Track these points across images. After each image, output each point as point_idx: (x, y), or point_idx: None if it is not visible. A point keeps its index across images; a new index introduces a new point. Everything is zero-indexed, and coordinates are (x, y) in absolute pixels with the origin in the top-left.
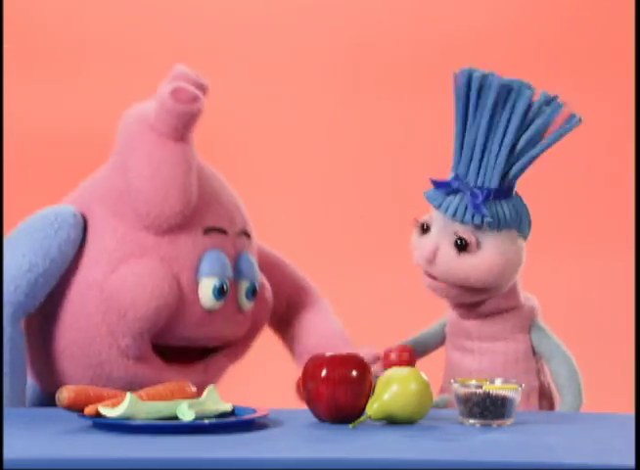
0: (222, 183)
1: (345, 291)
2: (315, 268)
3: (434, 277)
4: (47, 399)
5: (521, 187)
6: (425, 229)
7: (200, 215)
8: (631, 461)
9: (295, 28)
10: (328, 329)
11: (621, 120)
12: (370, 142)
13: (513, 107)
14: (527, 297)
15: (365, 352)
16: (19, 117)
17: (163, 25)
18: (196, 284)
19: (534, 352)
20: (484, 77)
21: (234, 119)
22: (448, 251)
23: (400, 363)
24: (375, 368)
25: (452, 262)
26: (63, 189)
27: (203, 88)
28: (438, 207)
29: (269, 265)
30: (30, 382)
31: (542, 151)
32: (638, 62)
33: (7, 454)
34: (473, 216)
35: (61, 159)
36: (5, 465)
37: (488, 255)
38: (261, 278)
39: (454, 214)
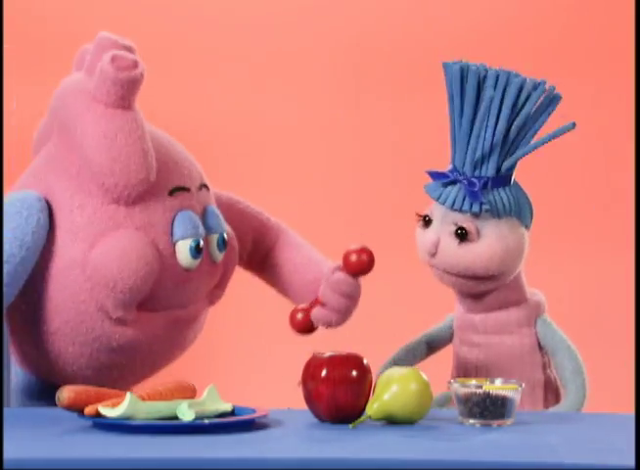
0: (170, 141)
1: None
2: None
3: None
4: (45, 389)
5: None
6: (427, 222)
7: (161, 178)
8: (631, 461)
9: (294, 28)
10: (307, 261)
11: (622, 120)
12: (370, 141)
13: (503, 95)
14: (534, 292)
15: (329, 266)
16: (19, 118)
17: (163, 25)
18: (172, 247)
19: (540, 347)
20: (475, 69)
21: (234, 119)
22: (449, 241)
23: (360, 264)
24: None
25: (454, 253)
26: None
27: (132, 50)
28: (437, 198)
29: (226, 208)
30: (25, 375)
31: (535, 148)
32: (638, 61)
33: (7, 454)
34: (471, 205)
35: None
36: (5, 465)
37: (489, 242)
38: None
39: (452, 205)
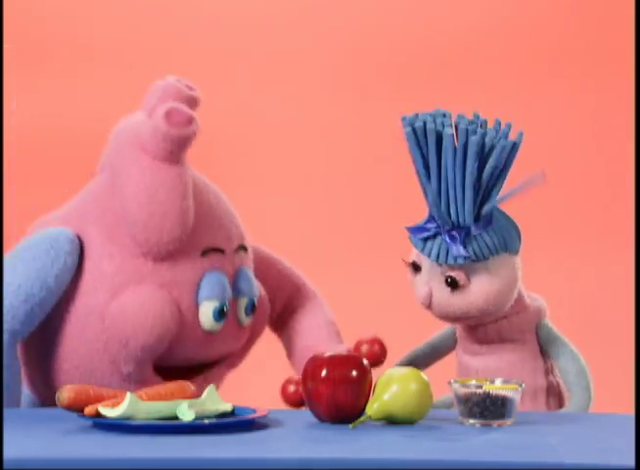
0: (217, 197)
1: (348, 292)
2: (317, 270)
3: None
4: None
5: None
6: (416, 268)
7: (197, 237)
8: (631, 461)
9: (295, 28)
10: (317, 329)
11: (622, 120)
12: (370, 141)
13: (465, 148)
14: (534, 297)
15: (342, 349)
16: (19, 118)
17: (164, 25)
18: (196, 307)
19: (542, 352)
20: (431, 127)
21: (234, 119)
22: (441, 291)
23: (371, 355)
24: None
25: (447, 302)
26: (62, 189)
27: (195, 101)
28: (422, 250)
29: (266, 267)
30: (30, 397)
31: (503, 179)
32: (638, 61)
33: (7, 454)
34: (455, 259)
35: (61, 159)
36: (5, 465)
37: (481, 286)
38: (259, 288)
39: (437, 258)
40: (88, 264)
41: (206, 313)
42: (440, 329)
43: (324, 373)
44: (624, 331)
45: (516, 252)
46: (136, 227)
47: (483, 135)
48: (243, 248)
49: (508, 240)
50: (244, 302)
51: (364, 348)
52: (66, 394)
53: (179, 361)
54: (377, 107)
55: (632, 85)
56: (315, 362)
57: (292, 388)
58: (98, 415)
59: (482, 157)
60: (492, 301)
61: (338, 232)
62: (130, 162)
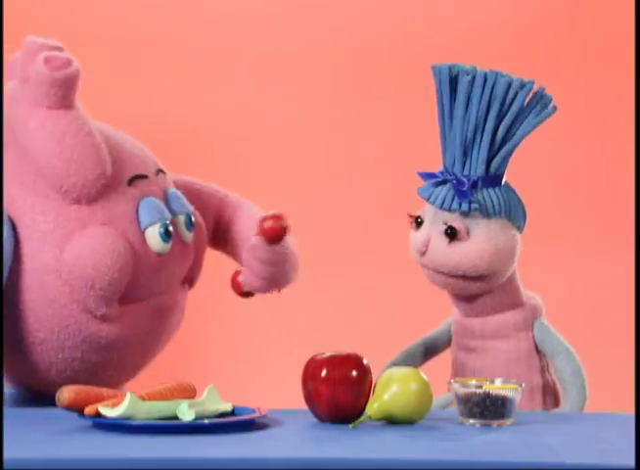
0: (118, 133)
1: (347, 292)
2: (317, 270)
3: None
4: (37, 400)
5: (520, 187)
6: (418, 223)
7: (117, 170)
8: (631, 461)
9: (295, 28)
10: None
11: (621, 120)
12: (370, 141)
13: (490, 96)
14: (531, 295)
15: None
16: None
17: (164, 25)
18: (142, 235)
19: (538, 350)
20: (463, 70)
21: (234, 119)
22: (439, 241)
23: (274, 230)
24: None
25: (443, 251)
26: None
27: (61, 49)
28: (428, 198)
29: (186, 191)
30: (14, 391)
31: (520, 140)
32: (638, 61)
33: (7, 454)
34: (460, 205)
35: None
36: (5, 465)
37: (478, 241)
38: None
39: (442, 204)
40: (25, 230)
41: (154, 237)
42: (437, 326)
43: (324, 373)
44: (624, 331)
45: (518, 227)
46: (59, 177)
47: (511, 80)
48: (161, 171)
49: (513, 210)
50: (182, 219)
51: (267, 223)
52: (66, 394)
53: (141, 294)
54: (377, 107)
55: (632, 85)
56: (315, 362)
57: (240, 277)
58: (98, 415)
59: (505, 105)
60: (487, 260)
61: (337, 232)
62: (25, 120)
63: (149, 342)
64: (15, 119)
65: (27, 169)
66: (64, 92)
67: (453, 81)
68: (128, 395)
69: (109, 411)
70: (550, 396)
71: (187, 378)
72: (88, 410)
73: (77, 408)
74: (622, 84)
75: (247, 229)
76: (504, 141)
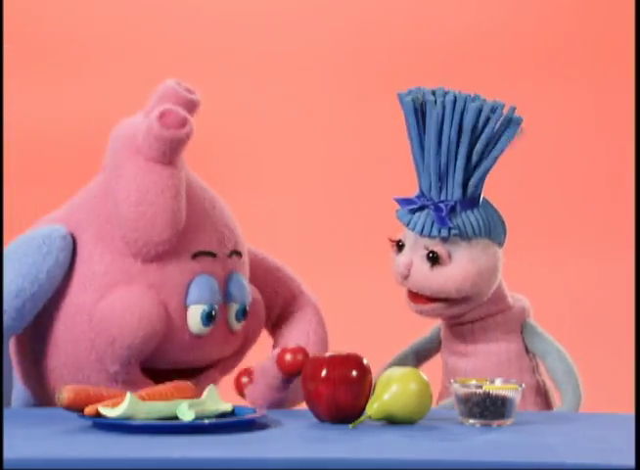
0: (213, 200)
1: (349, 291)
2: (316, 270)
3: (414, 294)
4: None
5: (520, 187)
6: (400, 247)
7: (188, 240)
8: (631, 461)
9: (295, 28)
10: (298, 337)
11: (621, 120)
12: (370, 141)
13: (460, 123)
14: (517, 298)
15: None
16: (19, 118)
17: (164, 25)
18: (184, 310)
19: (528, 351)
20: (430, 98)
21: (234, 120)
22: (421, 265)
23: (294, 364)
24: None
25: (425, 276)
26: (62, 189)
27: (193, 104)
28: (407, 224)
29: (264, 272)
30: (25, 393)
31: (493, 162)
32: (638, 61)
33: (7, 454)
34: (439, 230)
35: (61, 159)
36: (5, 465)
37: (461, 265)
38: (253, 292)
39: (421, 231)
40: (79, 263)
41: (195, 317)
42: (425, 332)
43: (324, 373)
44: (624, 331)
45: (499, 243)
46: (126, 227)
47: (481, 106)
48: (237, 253)
49: (492, 228)
50: (234, 307)
51: (287, 357)
52: (65, 394)
53: (166, 364)
54: (376, 107)
55: (632, 85)
56: (315, 362)
57: (245, 379)
58: (98, 415)
59: (477, 129)
60: (470, 283)
61: (337, 232)
62: (124, 162)
63: None
64: (118, 155)
65: (107, 207)
66: (166, 150)
67: (421, 110)
68: (128, 395)
69: (109, 411)
70: (541, 396)
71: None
72: (88, 410)
73: (77, 408)
74: (623, 84)
75: (290, 340)
76: (478, 164)
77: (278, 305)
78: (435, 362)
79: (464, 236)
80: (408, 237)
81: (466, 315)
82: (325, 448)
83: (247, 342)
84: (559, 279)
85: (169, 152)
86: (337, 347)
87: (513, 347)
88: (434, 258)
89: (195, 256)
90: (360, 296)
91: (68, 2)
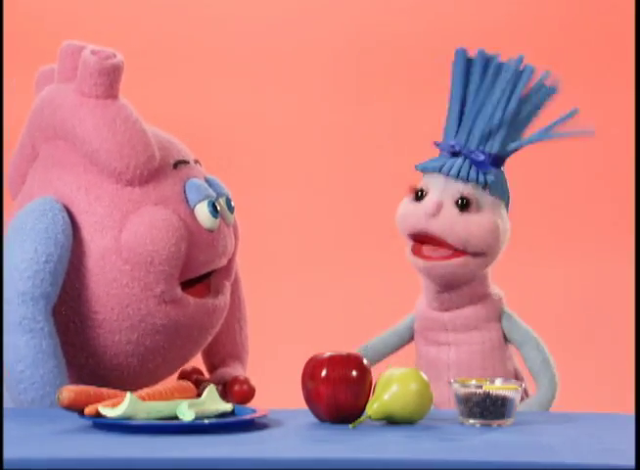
0: (151, 126)
1: (349, 291)
2: (316, 271)
3: (427, 248)
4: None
5: (519, 188)
6: (420, 196)
7: (163, 155)
8: (631, 461)
9: (295, 28)
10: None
11: (622, 121)
12: (371, 141)
13: (514, 83)
14: (492, 287)
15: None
16: (18, 118)
17: (164, 26)
18: (192, 213)
19: (506, 340)
20: (487, 58)
21: (234, 120)
22: (451, 208)
23: (242, 393)
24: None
25: (454, 219)
26: None
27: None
28: (440, 168)
29: None
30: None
31: (542, 137)
32: (638, 62)
33: (7, 454)
34: (477, 175)
35: None
36: (5, 465)
37: (487, 216)
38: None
39: (458, 173)
40: (80, 217)
41: (204, 213)
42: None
43: (324, 373)
44: (624, 331)
45: (507, 210)
46: (113, 159)
47: (534, 70)
48: (197, 161)
49: (506, 193)
50: (223, 200)
51: (235, 387)
52: (65, 394)
53: (196, 271)
54: (378, 107)
55: (632, 86)
56: (315, 362)
57: (237, 387)
58: (98, 415)
59: (516, 91)
60: (495, 236)
61: (338, 232)
62: (76, 110)
63: (194, 336)
64: (65, 110)
65: (77, 159)
66: (111, 81)
67: (477, 64)
68: (128, 395)
69: (109, 411)
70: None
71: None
72: (88, 410)
73: (77, 408)
74: (623, 85)
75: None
76: (521, 122)
77: None
78: (404, 353)
79: (492, 189)
80: (435, 184)
81: (459, 292)
82: (325, 449)
83: (236, 239)
84: (558, 279)
85: (114, 82)
86: (337, 346)
87: (494, 335)
88: (464, 204)
89: (175, 166)
90: (361, 295)
91: (68, 3)
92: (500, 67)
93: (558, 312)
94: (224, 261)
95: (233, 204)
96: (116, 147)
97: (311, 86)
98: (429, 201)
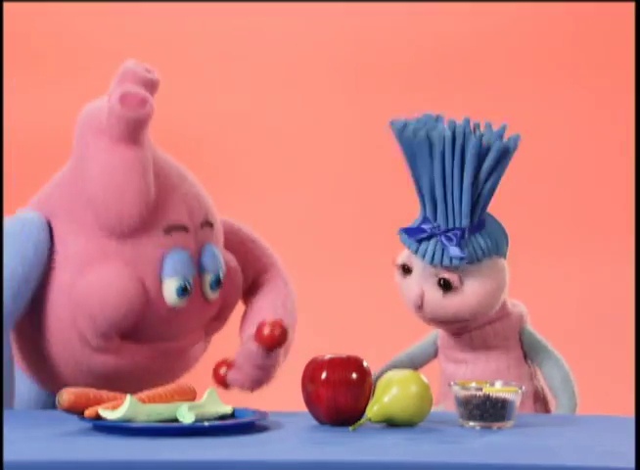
0: (180, 176)
1: (349, 293)
2: (316, 271)
3: (429, 319)
4: (49, 401)
5: (520, 188)
6: (406, 270)
7: (159, 215)
8: (631, 464)
9: (296, 32)
10: (266, 310)
11: (622, 121)
12: (371, 142)
13: (462, 151)
14: (515, 303)
15: (249, 332)
16: (18, 118)
17: (164, 30)
18: (160, 284)
19: (526, 358)
20: (419, 131)
21: (235, 121)
22: (433, 293)
23: (272, 337)
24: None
25: (439, 304)
26: None
27: (153, 85)
28: (415, 252)
29: (238, 242)
30: (31, 385)
31: (498, 181)
32: (638, 65)
33: (7, 456)
34: (451, 260)
35: (60, 160)
36: (5, 467)
37: (473, 289)
38: (230, 260)
39: (432, 260)
40: (57, 244)
41: (169, 290)
42: (421, 338)
43: (324, 376)
44: (624, 332)
45: (505, 255)
46: (97, 207)
47: (481, 137)
48: (208, 224)
49: (499, 243)
50: (209, 277)
51: (265, 330)
52: (66, 396)
53: (146, 338)
54: (378, 108)
55: (632, 88)
56: (315, 365)
57: (223, 370)
58: (98, 418)
59: (480, 158)
60: (484, 303)
61: (339, 233)
62: (90, 144)
63: (146, 380)
64: (84, 138)
65: (78, 189)
66: (129, 130)
67: (417, 143)
68: (128, 397)
69: (109, 414)
70: (539, 402)
71: (187, 380)
72: (88, 413)
73: (77, 411)
74: (623, 87)
75: (258, 310)
76: (482, 190)
77: (249, 276)
78: (430, 368)
79: (475, 260)
80: (416, 264)
81: (465, 337)
82: (325, 451)
83: (226, 307)
84: (558, 280)
85: (132, 132)
86: (337, 349)
87: (512, 354)
88: (446, 286)
89: (167, 231)
90: (362, 297)
91: (67, 5)
92: (464, 142)
93: (557, 313)
94: (195, 333)
95: (223, 278)
96: (104, 195)
97: (311, 88)
98: (411, 290)
